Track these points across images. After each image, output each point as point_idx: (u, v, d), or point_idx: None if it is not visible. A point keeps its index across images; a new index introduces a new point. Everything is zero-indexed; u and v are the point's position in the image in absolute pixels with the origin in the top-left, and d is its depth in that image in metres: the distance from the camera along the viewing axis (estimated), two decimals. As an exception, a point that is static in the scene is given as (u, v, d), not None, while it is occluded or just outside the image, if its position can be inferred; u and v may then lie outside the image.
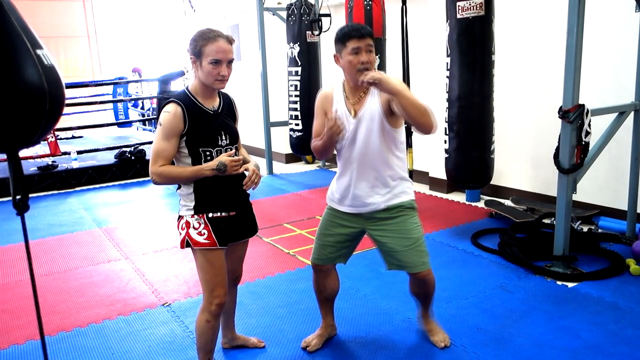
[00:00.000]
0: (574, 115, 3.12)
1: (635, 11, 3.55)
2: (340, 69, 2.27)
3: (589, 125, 3.18)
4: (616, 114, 3.58)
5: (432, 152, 5.58)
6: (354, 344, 2.62)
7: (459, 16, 3.81)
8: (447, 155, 4.14)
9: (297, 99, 6.08)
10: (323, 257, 2.47)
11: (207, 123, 2.08)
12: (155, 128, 2.06)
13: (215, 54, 1.99)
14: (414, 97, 2.07)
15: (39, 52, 1.23)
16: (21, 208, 1.40)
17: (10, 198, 1.41)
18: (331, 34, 6.41)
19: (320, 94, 2.38)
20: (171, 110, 2.01)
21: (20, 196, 1.39)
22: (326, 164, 7.33)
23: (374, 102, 2.24)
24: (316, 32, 5.83)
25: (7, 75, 1.16)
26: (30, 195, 6.00)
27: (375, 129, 2.23)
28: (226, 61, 2.02)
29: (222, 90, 2.19)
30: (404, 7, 4.49)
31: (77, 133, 9.04)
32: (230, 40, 2.04)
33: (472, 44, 3.83)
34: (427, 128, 2.12)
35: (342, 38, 2.19)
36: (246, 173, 2.11)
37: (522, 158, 4.96)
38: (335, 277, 2.56)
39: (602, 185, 4.29)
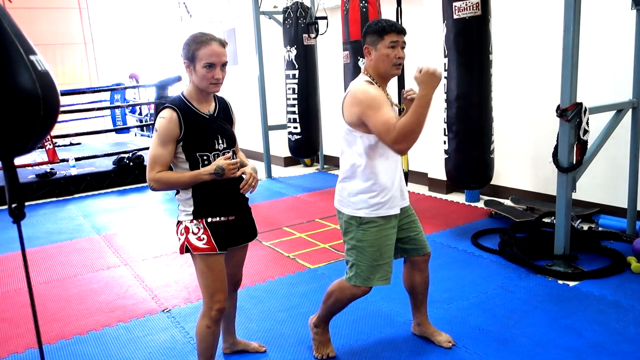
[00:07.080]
0: (572, 114, 3.11)
1: (631, 8, 3.55)
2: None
3: (587, 123, 3.18)
4: (614, 111, 3.58)
5: (430, 153, 5.57)
6: (356, 347, 2.61)
7: (455, 16, 3.81)
8: (446, 156, 4.14)
9: (295, 102, 6.07)
10: (389, 277, 2.33)
11: (203, 127, 2.06)
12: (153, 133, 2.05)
13: (209, 57, 1.98)
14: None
15: (32, 57, 1.22)
16: (17, 216, 1.39)
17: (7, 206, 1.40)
18: (327, 37, 6.47)
19: (371, 88, 2.15)
20: (166, 116, 2.00)
21: (16, 204, 1.38)
22: (325, 166, 7.33)
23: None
24: (313, 35, 5.83)
25: (0, 81, 1.15)
26: (29, 203, 6.06)
27: None
28: (220, 64, 2.01)
29: (218, 94, 2.18)
30: (399, 8, 4.49)
31: (75, 140, 9.03)
32: (223, 43, 2.03)
33: (470, 44, 3.84)
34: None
35: (379, 31, 2.16)
36: (244, 176, 2.10)
37: (521, 157, 4.95)
38: None
39: (601, 183, 4.28)
